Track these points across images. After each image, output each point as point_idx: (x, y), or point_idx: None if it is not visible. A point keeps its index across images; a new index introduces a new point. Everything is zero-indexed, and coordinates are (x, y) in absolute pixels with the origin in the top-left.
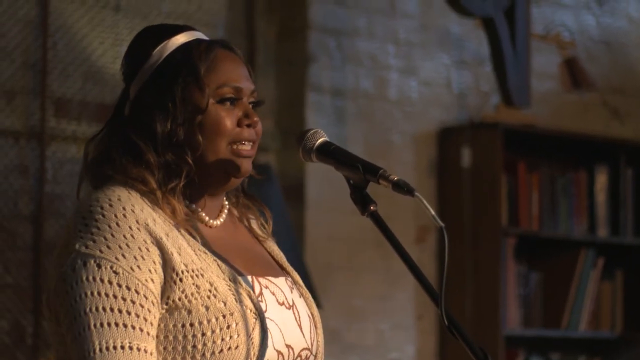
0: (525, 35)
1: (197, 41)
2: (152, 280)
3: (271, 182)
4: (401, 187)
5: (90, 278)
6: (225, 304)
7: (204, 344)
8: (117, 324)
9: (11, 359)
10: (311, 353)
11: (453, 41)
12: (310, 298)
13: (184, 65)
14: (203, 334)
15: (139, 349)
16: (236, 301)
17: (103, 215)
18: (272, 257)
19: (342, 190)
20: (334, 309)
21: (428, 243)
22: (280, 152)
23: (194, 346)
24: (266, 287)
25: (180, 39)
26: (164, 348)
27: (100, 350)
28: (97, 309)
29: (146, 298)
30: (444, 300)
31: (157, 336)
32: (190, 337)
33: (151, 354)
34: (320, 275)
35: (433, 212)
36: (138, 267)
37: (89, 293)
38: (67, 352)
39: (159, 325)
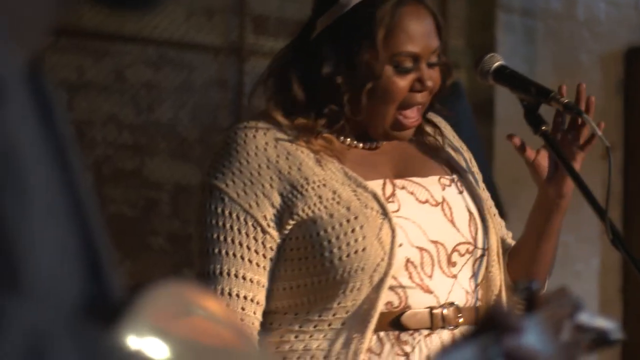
0: None
1: None
2: (266, 217)
3: (461, 99)
4: (571, 109)
5: (213, 207)
6: (348, 209)
7: (331, 251)
8: (227, 253)
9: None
10: (475, 247)
11: None
12: (480, 195)
13: (364, 25)
14: (329, 242)
15: (244, 278)
16: (360, 205)
17: (237, 151)
18: (448, 159)
19: None
20: (521, 221)
21: (614, 159)
22: (471, 69)
23: (322, 254)
24: (402, 188)
25: None
26: (298, 259)
27: (214, 273)
28: (212, 236)
29: (263, 233)
30: (608, 216)
31: (291, 249)
32: (317, 246)
33: (257, 282)
34: (508, 189)
35: (599, 132)
36: (257, 204)
37: (208, 220)
38: None
39: (290, 239)
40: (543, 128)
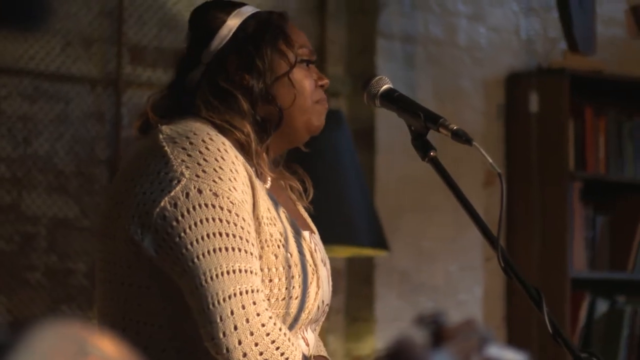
0: None
1: (266, 11)
2: (252, 215)
3: (341, 127)
4: (460, 136)
5: (210, 205)
6: (291, 255)
7: (271, 290)
8: (234, 249)
9: (88, 299)
10: (328, 306)
11: None
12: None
13: (269, 26)
14: (270, 280)
15: (251, 272)
16: (300, 254)
17: (207, 149)
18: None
19: None
20: (404, 250)
21: (497, 187)
22: (351, 97)
23: (269, 289)
24: (316, 244)
25: (248, 9)
26: None
27: (222, 274)
28: (218, 234)
29: (252, 229)
30: (500, 243)
31: None
32: (264, 278)
33: (256, 274)
34: (390, 217)
35: (490, 160)
36: (245, 200)
37: (209, 219)
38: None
39: None
40: (431, 154)
